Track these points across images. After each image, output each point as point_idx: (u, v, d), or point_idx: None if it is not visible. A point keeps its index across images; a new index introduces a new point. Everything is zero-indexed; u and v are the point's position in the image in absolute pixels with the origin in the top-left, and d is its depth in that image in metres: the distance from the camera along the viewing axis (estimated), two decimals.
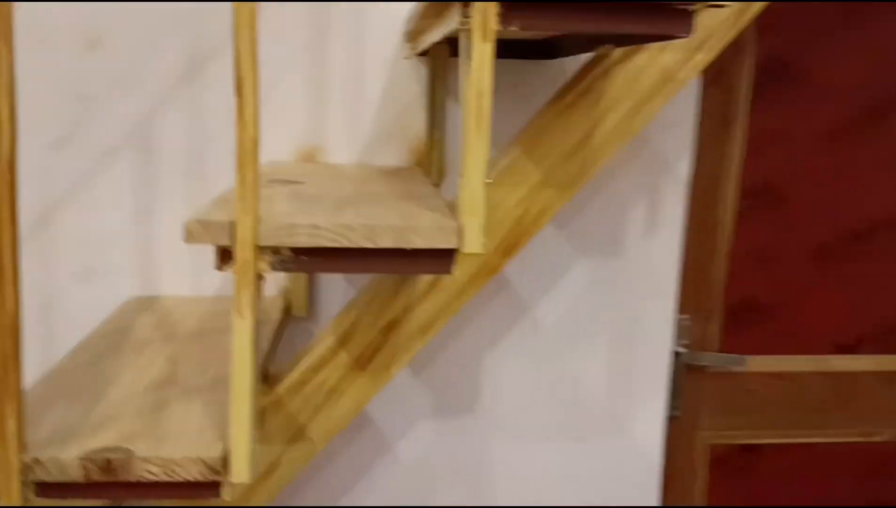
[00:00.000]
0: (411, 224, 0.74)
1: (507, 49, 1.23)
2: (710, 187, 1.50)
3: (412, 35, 1.24)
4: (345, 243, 0.74)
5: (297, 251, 0.74)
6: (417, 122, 1.32)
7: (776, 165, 1.51)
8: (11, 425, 0.72)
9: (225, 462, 0.75)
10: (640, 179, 1.37)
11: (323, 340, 1.01)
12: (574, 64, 1.29)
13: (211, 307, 1.25)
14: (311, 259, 0.75)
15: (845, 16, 1.47)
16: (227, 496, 0.76)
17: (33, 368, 1.28)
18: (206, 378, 0.94)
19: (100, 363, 0.99)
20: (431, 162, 1.32)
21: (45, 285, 1.28)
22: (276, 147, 1.30)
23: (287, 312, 1.28)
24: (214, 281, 1.32)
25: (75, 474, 0.74)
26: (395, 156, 1.33)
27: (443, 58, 1.30)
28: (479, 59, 0.72)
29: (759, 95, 1.48)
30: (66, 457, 0.74)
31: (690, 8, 0.73)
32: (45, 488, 0.76)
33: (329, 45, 1.29)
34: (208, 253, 1.30)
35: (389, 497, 1.38)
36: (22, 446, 0.74)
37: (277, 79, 1.27)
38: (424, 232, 0.74)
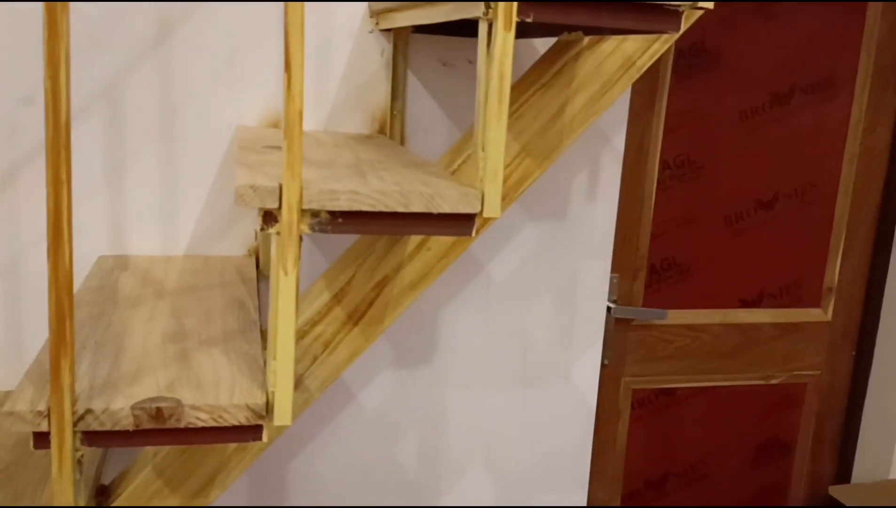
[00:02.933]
0: (439, 191, 0.83)
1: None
2: (637, 160, 1.65)
3: (379, 12, 1.30)
4: (381, 208, 0.82)
5: (335, 214, 0.82)
6: (379, 92, 1.39)
7: (694, 140, 1.68)
8: (67, 378, 0.77)
9: (268, 407, 0.82)
10: (582, 151, 1.50)
11: (319, 296, 1.08)
12: (529, 43, 1.41)
13: (186, 265, 1.29)
14: (345, 221, 0.83)
15: (757, 8, 1.65)
16: (266, 438, 0.84)
17: (7, 324, 1.29)
18: (217, 331, 1.00)
19: (103, 318, 1.02)
20: (394, 130, 1.40)
21: (12, 244, 1.27)
22: (245, 113, 1.33)
23: (259, 271, 1.33)
24: (181, 241, 1.35)
25: (126, 422, 0.80)
26: (357, 124, 1.39)
27: (405, 33, 1.37)
28: (502, 46, 0.81)
29: (678, 77, 1.64)
30: (118, 407, 0.79)
31: (680, 8, 0.84)
32: (92, 436, 0.80)
33: None
34: (175, 214, 1.33)
35: (354, 442, 1.48)
36: (73, 397, 0.78)
37: (247, 48, 1.31)
38: (451, 199, 0.83)
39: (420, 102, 1.40)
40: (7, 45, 1.21)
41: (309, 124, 1.37)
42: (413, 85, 1.40)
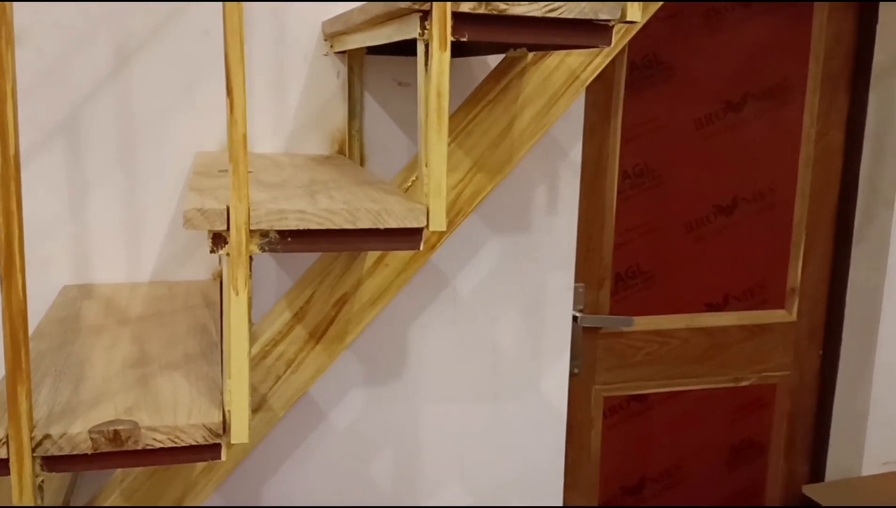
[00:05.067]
0: (386, 207, 0.85)
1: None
2: (596, 171, 1.69)
3: (332, 35, 1.33)
4: (329, 225, 0.84)
5: (284, 234, 0.84)
6: (337, 113, 1.42)
7: (652, 149, 1.72)
8: (24, 404, 0.78)
9: (225, 425, 0.84)
10: (541, 164, 1.53)
11: (280, 315, 1.10)
12: (483, 60, 1.44)
13: (150, 292, 1.30)
14: (295, 240, 0.85)
15: (706, 18, 1.69)
16: (224, 456, 0.85)
17: None
18: (177, 355, 1.01)
19: (65, 347, 1.03)
20: (352, 150, 1.42)
21: None
22: (205, 140, 1.35)
23: (222, 295, 1.35)
24: (145, 268, 1.37)
25: (84, 446, 0.81)
26: (317, 145, 1.42)
27: (360, 55, 1.40)
28: (438, 65, 0.84)
29: (633, 89, 1.68)
30: (75, 431, 0.81)
31: (610, 23, 0.88)
32: (51, 461, 0.82)
33: (252, 43, 1.36)
34: (138, 241, 1.35)
35: (326, 461, 1.49)
36: (31, 423, 0.80)
37: (205, 76, 1.33)
38: (398, 214, 0.85)
39: (377, 121, 1.42)
40: None
41: (269, 147, 1.39)
42: (370, 105, 1.43)
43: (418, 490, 1.57)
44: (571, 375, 1.66)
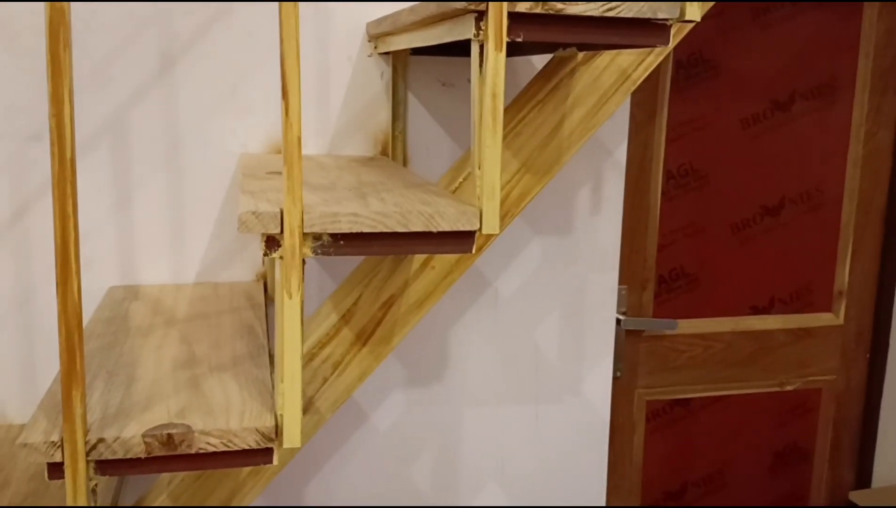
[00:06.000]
0: (438, 210, 0.84)
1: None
2: (640, 171, 1.66)
3: (377, 36, 1.32)
4: (381, 229, 0.83)
5: (336, 237, 0.83)
6: (380, 114, 1.41)
7: (697, 149, 1.69)
8: (79, 408, 0.78)
9: (277, 430, 0.83)
10: (584, 164, 1.51)
11: (326, 317, 1.10)
12: (527, 59, 1.42)
13: (195, 293, 1.31)
14: (347, 244, 0.84)
15: (753, 16, 1.66)
16: (276, 460, 0.85)
17: (21, 357, 1.31)
18: (226, 356, 1.01)
19: (114, 348, 1.04)
20: (395, 151, 1.41)
21: (24, 278, 1.29)
22: (249, 141, 1.35)
23: (267, 296, 1.35)
24: (190, 269, 1.37)
25: (137, 450, 0.81)
26: (359, 146, 1.41)
27: (404, 56, 1.39)
28: (494, 66, 0.83)
29: (678, 88, 1.65)
30: (129, 435, 0.81)
31: (668, 22, 0.86)
32: (105, 465, 0.82)
33: None
34: (183, 242, 1.35)
35: (368, 462, 1.48)
36: (85, 427, 0.80)
37: (249, 78, 1.33)
38: (450, 216, 0.84)
39: (421, 122, 1.41)
40: (15, 84, 1.24)
41: (312, 149, 1.39)
42: (414, 106, 1.42)
43: (459, 491, 1.56)
44: (614, 378, 1.64)
